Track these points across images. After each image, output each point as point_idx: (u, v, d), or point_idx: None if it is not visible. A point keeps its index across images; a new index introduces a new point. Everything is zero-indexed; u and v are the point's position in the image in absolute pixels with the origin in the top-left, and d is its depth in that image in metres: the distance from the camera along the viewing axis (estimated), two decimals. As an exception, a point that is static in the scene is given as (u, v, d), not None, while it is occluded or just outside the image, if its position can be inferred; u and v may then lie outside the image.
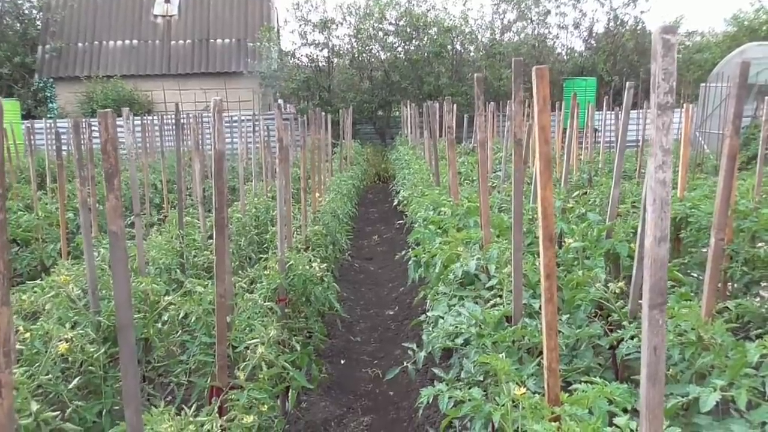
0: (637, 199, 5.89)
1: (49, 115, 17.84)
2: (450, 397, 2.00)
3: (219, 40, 21.48)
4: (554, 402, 1.70)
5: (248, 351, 2.74)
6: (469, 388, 2.01)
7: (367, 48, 19.26)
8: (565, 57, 22.07)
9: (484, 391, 2.04)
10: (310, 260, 4.08)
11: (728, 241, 4.02)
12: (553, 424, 1.54)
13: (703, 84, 15.00)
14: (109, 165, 1.54)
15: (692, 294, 3.09)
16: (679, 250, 5.00)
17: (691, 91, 16.35)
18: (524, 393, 1.77)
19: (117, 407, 2.79)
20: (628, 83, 3.47)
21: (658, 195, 1.08)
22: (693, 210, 4.67)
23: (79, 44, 21.27)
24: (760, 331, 3.15)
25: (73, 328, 2.82)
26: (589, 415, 1.59)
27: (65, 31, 21.22)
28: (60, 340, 2.59)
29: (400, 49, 19.07)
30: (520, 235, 2.31)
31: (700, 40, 23.73)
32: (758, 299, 3.89)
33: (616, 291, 2.98)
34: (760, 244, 4.29)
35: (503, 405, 1.77)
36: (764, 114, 5.84)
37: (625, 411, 1.76)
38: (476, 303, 2.89)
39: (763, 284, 4.16)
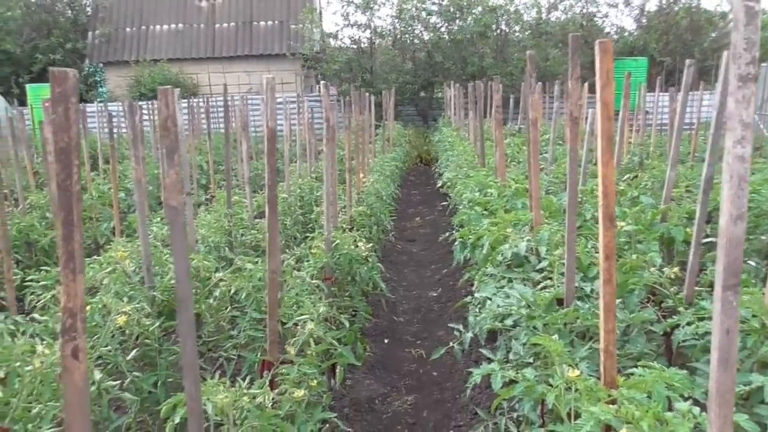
0: (691, 182, 5.69)
1: (99, 99, 18.35)
2: (503, 377, 1.98)
3: (262, 23, 21.62)
4: (610, 385, 1.67)
5: (298, 327, 2.78)
6: (521, 369, 1.99)
7: (409, 28, 19.07)
8: (614, 36, 21.38)
9: (537, 372, 2.02)
10: (355, 240, 4.10)
11: (791, 225, 3.86)
12: (610, 407, 1.52)
13: (764, 64, 14.33)
14: (170, 141, 1.56)
15: (752, 281, 2.98)
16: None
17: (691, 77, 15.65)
18: (579, 375, 1.75)
19: (170, 379, 2.88)
20: (687, 61, 3.33)
21: (735, 171, 1.04)
22: (753, 195, 4.48)
23: (127, 29, 21.74)
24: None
25: (129, 302, 2.91)
26: (648, 400, 1.55)
27: (113, 16, 21.71)
28: (118, 314, 2.68)
29: (443, 29, 18.81)
30: (574, 216, 2.26)
31: (764, 18, 22.62)
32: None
33: (671, 276, 2.90)
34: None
35: (557, 386, 1.74)
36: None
37: (683, 397, 1.72)
38: (525, 285, 2.85)
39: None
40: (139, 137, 3.36)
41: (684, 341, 2.40)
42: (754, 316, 2.19)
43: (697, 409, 1.47)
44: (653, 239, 3.38)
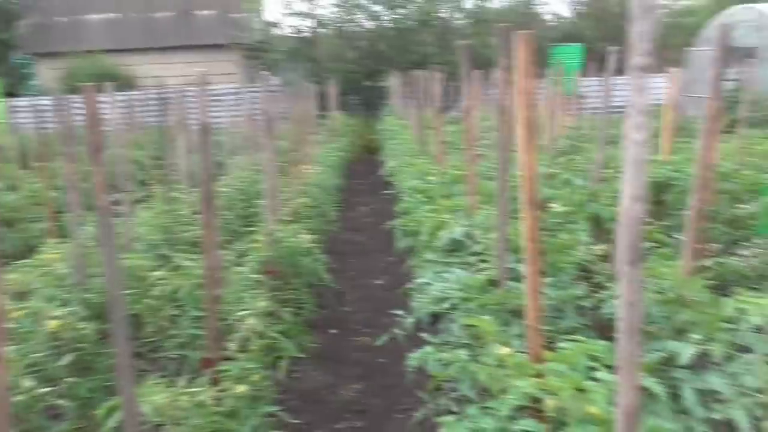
0: (622, 164, 5.93)
1: (30, 93, 17.52)
2: (438, 359, 2.05)
3: (202, 12, 21.07)
4: (538, 360, 1.75)
5: (239, 323, 2.78)
6: (456, 350, 2.06)
7: (352, 17, 18.96)
8: (553, 23, 21.87)
9: (471, 352, 2.09)
10: (298, 232, 4.10)
11: (710, 202, 4.08)
12: (536, 380, 1.59)
13: (690, 48, 14.96)
14: (95, 140, 1.54)
15: (673, 255, 3.15)
16: (663, 212, 5.06)
17: (678, 55, 16.33)
18: (509, 352, 1.82)
19: (109, 383, 2.82)
20: (610, 48, 3.47)
21: (634, 155, 1.11)
22: (676, 173, 4.72)
23: (59, 18, 20.79)
24: (739, 288, 3.23)
25: (62, 306, 2.84)
26: (571, 371, 1.64)
27: (44, 5, 20.68)
28: (50, 318, 2.61)
29: (386, 17, 18.79)
30: (505, 201, 2.34)
31: (687, 4, 23.57)
32: (738, 258, 3.97)
33: (599, 253, 3.04)
34: (741, 205, 4.36)
35: (488, 365, 1.81)
36: (749, 77, 5.86)
37: (606, 367, 1.82)
38: (463, 269, 2.93)
39: (743, 244, 4.24)
40: (71, 133, 3.26)
41: (611, 314, 2.52)
42: (672, 287, 2.33)
43: (613, 376, 1.56)
44: (583, 219, 3.52)
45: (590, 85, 9.91)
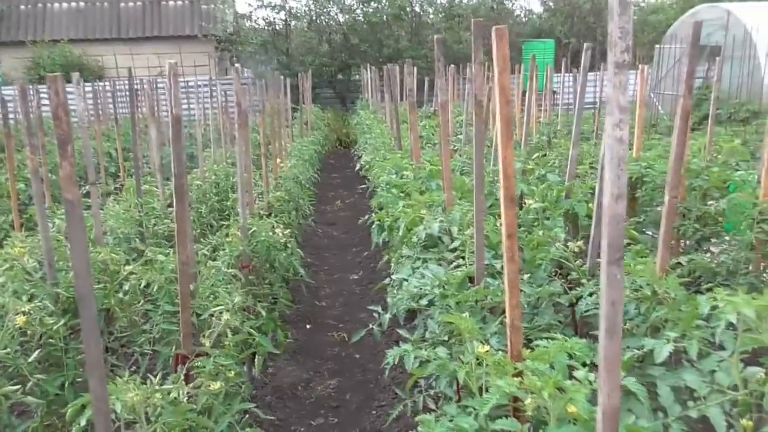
0: (594, 159, 6.00)
1: (-8, 82, 16.99)
2: (416, 357, 2.04)
3: (171, 2, 20.68)
4: (517, 358, 1.75)
5: (213, 318, 2.73)
6: (434, 348, 2.05)
7: (324, 10, 18.84)
8: (523, 19, 22.05)
9: (449, 350, 2.09)
10: (273, 226, 4.05)
11: (681, 199, 4.15)
12: (515, 379, 1.59)
13: (658, 45, 15.23)
14: (62, 131, 1.48)
15: (647, 251, 3.20)
16: (635, 209, 5.14)
17: (645, 53, 16.59)
18: (487, 350, 1.82)
19: (80, 379, 2.76)
20: (585, 44, 3.49)
21: (615, 153, 1.10)
22: (648, 170, 4.79)
23: (22, 6, 20.18)
24: (710, 284, 3.29)
25: (30, 300, 2.76)
26: (551, 370, 1.64)
27: (7, -8, 20.08)
28: (17, 313, 2.53)
29: (358, 11, 18.72)
30: (481, 197, 2.34)
31: (655, 2, 24.00)
32: (709, 254, 4.05)
33: (575, 250, 3.06)
34: (710, 202, 4.44)
35: (467, 363, 1.81)
36: (715, 75, 5.98)
37: (584, 365, 1.83)
38: (440, 265, 2.93)
39: (713, 240, 4.33)
40: (34, 124, 3.15)
41: (587, 311, 2.55)
42: (647, 284, 2.36)
43: (593, 375, 1.57)
44: (558, 215, 3.55)
45: (561, 81, 9.99)
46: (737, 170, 4.84)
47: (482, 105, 2.30)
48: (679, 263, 2.73)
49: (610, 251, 1.13)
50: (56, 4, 20.32)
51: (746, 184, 4.40)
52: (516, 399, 1.74)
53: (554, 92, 10.18)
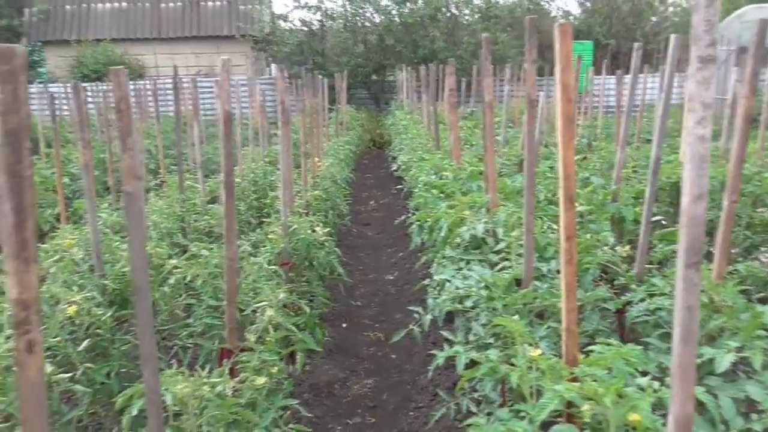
0: (637, 163, 5.88)
1: (39, 80, 17.50)
2: (467, 359, 2.00)
3: (210, 3, 21.01)
4: (572, 363, 1.71)
5: (256, 314, 2.74)
6: (485, 350, 2.02)
7: (360, 11, 18.89)
8: (561, 20, 21.76)
9: (500, 353, 2.05)
10: (312, 224, 4.06)
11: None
12: (574, 384, 1.55)
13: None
14: (123, 124, 1.49)
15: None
16: (679, 214, 5.01)
17: (687, 55, 16.19)
18: (540, 354, 1.78)
19: (124, 369, 2.80)
20: (635, 44, 3.41)
21: (697, 151, 1.06)
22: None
23: (67, 6, 20.73)
24: (762, 294, 3.18)
25: (79, 291, 2.81)
26: (608, 376, 1.60)
27: (53, -7, 20.66)
28: (68, 303, 2.58)
29: (394, 12, 18.70)
30: (531, 197, 2.29)
31: (696, 3, 23.35)
32: (759, 263, 3.92)
33: (623, 255, 2.99)
34: (761, 209, 4.30)
35: (520, 366, 1.77)
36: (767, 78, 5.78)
37: (638, 372, 1.78)
38: (483, 266, 2.89)
39: (762, 249, 4.18)
40: (85, 120, 3.22)
41: (637, 318, 2.48)
42: (703, 291, 2.28)
43: (656, 384, 1.52)
44: (605, 219, 3.47)
45: (602, 83, 9.82)
46: (790, 177, 4.68)
47: (535, 105, 2.26)
48: (736, 270, 2.63)
49: (688, 254, 1.09)
50: (99, 5, 20.83)
51: (800, 191, 4.26)
52: (569, 405, 1.70)
53: (595, 94, 10.01)
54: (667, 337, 2.51)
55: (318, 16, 19.07)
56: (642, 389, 1.50)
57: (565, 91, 1.60)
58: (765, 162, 4.94)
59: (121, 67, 1.52)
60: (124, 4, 20.85)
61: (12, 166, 0.81)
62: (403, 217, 5.68)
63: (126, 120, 1.50)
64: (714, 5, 1.05)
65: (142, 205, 1.53)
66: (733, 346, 1.89)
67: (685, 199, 1.08)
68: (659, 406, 1.53)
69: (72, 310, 2.50)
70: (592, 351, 1.82)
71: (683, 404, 1.12)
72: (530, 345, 1.91)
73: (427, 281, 3.36)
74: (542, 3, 21.82)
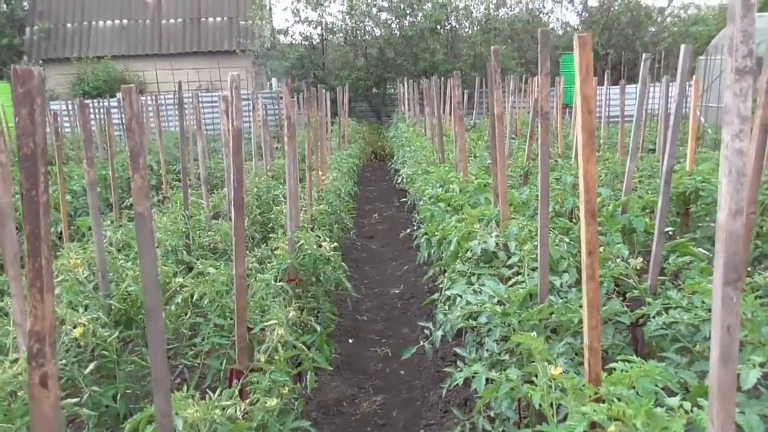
0: (643, 173, 5.84)
1: (39, 97, 17.50)
2: (487, 378, 1.95)
3: (210, 19, 21.15)
4: (595, 382, 1.66)
5: (266, 332, 2.69)
6: (502, 368, 1.96)
7: (360, 25, 18.99)
8: (559, 32, 21.85)
9: (520, 372, 2.00)
10: (318, 239, 4.02)
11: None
12: (601, 405, 1.50)
13: (701, 57, 14.89)
14: (134, 143, 1.46)
15: (712, 269, 3.05)
16: (688, 224, 4.96)
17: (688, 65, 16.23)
18: (561, 372, 1.73)
19: (129, 391, 2.74)
20: (644, 55, 3.39)
21: (734, 165, 1.02)
22: (704, 184, 4.62)
23: (68, 25, 20.87)
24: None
25: (84, 312, 2.76)
26: (634, 395, 1.55)
27: (53, 11, 20.80)
28: (73, 326, 2.53)
29: (394, 25, 18.81)
30: (546, 210, 2.26)
31: (696, 13, 23.53)
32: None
33: (636, 267, 2.94)
34: (768, 219, 4.25)
35: (541, 385, 1.72)
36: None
37: (663, 390, 1.73)
38: (495, 281, 2.84)
39: (771, 259, 4.13)
40: (89, 137, 3.18)
41: (655, 332, 2.43)
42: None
43: (688, 404, 1.47)
44: (615, 231, 3.43)
45: (605, 93, 9.79)
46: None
47: (548, 117, 2.23)
48: (754, 282, 2.58)
49: (727, 271, 1.04)
50: (101, 22, 20.96)
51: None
52: (593, 425, 1.65)
53: (597, 105, 9.98)
54: (684, 351, 2.46)
55: (318, 30, 19.18)
56: (672, 409, 1.45)
57: (586, 103, 1.56)
58: (773, 171, 4.89)
59: (132, 85, 1.49)
60: (125, 21, 20.98)
61: (28, 191, 0.77)
62: (408, 231, 5.65)
63: (137, 139, 1.47)
64: (750, 15, 1.02)
65: (153, 226, 1.49)
66: (758, 361, 1.84)
67: (722, 214, 1.04)
68: (689, 427, 1.48)
69: (78, 332, 2.45)
70: (614, 369, 1.77)
71: (723, 428, 1.07)
72: (549, 362, 1.86)
73: (436, 296, 3.31)
74: (541, 15, 21.94)
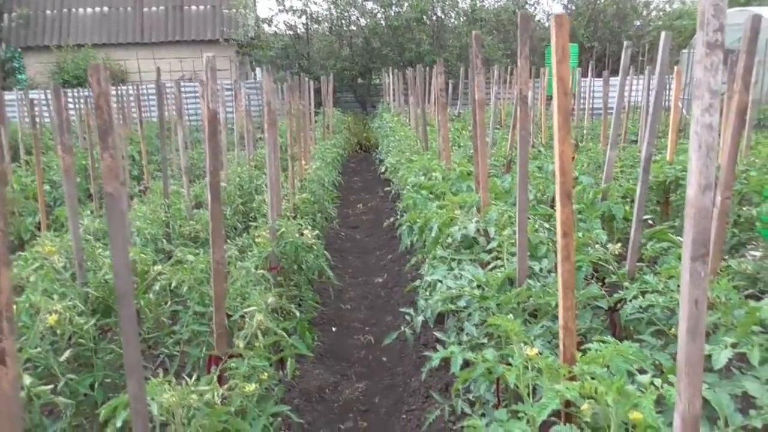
0: (624, 163, 5.88)
1: (18, 87, 17.24)
2: (463, 359, 1.96)
3: (193, 7, 20.87)
4: (570, 362, 1.67)
5: (245, 319, 2.67)
6: (479, 350, 1.97)
7: (346, 14, 18.87)
8: (545, 24, 21.88)
9: (496, 353, 2.00)
10: (300, 228, 4.00)
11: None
12: (574, 383, 1.51)
13: (684, 50, 15.00)
14: (103, 121, 1.43)
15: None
16: (668, 213, 5.01)
17: (672, 58, 16.35)
18: (537, 353, 1.74)
19: (108, 379, 2.72)
20: (625, 43, 3.40)
21: (704, 140, 1.02)
22: (684, 173, 4.66)
23: (47, 12, 20.49)
24: (750, 291, 3.17)
25: (60, 300, 2.72)
26: (607, 374, 1.56)
27: (32, -2, 20.41)
28: (48, 313, 2.50)
29: (380, 15, 18.71)
30: (525, 194, 2.26)
31: (681, 7, 23.66)
32: (746, 260, 3.92)
33: (615, 252, 2.97)
34: (746, 207, 4.31)
35: (517, 366, 1.73)
36: (754, 77, 5.79)
37: (638, 370, 1.74)
38: (475, 266, 2.84)
39: (749, 246, 4.19)
40: (64, 123, 3.13)
41: (631, 315, 2.45)
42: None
43: (658, 381, 1.49)
44: (595, 217, 3.45)
45: (588, 84, 9.84)
46: (773, 175, 4.70)
47: (527, 100, 2.23)
48: (729, 266, 2.62)
49: (695, 247, 1.05)
50: (81, 9, 20.60)
51: (785, 189, 4.27)
52: (568, 404, 1.66)
53: (581, 96, 10.04)
54: (660, 334, 2.49)
55: (303, 19, 19.03)
56: (643, 387, 1.46)
57: (562, 84, 1.56)
58: (751, 161, 4.96)
59: (100, 62, 1.46)
60: (106, 8, 20.65)
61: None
62: (391, 220, 5.64)
63: (106, 117, 1.44)
64: (718, -11, 1.01)
65: (124, 207, 1.47)
66: (729, 342, 1.86)
67: (691, 190, 1.05)
68: (659, 404, 1.49)
69: (53, 319, 2.42)
70: (588, 349, 1.78)
71: (691, 401, 1.08)
72: (526, 344, 1.87)
73: (417, 282, 3.31)
74: (527, 6, 21.94)
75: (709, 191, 1.03)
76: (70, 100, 10.76)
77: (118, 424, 1.85)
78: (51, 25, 20.34)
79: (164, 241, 4.18)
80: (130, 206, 4.94)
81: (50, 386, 2.27)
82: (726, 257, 3.95)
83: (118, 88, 11.68)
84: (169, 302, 3.18)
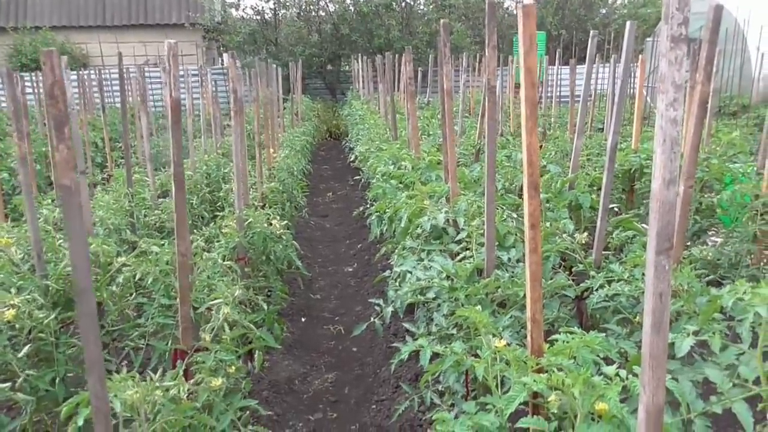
0: (591, 151, 5.96)
1: (-27, 70, 16.59)
2: (432, 352, 1.96)
3: (157, -10, 20.34)
4: (537, 353, 1.68)
5: (211, 312, 2.63)
6: (441, 342, 1.97)
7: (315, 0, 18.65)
8: (514, 11, 21.96)
9: (460, 344, 2.01)
10: (268, 217, 3.95)
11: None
12: (542, 375, 1.52)
13: (648, 39, 15.24)
14: (57, 111, 1.37)
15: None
16: (633, 201, 5.10)
17: (636, 46, 16.57)
18: (505, 345, 1.74)
19: (70, 374, 2.65)
20: (592, 32, 3.42)
21: (668, 134, 1.02)
22: (648, 161, 4.74)
23: (3, -8, 19.75)
24: (711, 277, 3.25)
25: (18, 293, 2.64)
26: (574, 365, 1.57)
27: (-13, -22, 19.63)
28: (6, 307, 2.41)
29: (348, 1, 18.54)
30: (492, 186, 2.26)
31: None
32: (705, 246, 4.02)
33: (582, 242, 3.00)
34: (707, 195, 4.41)
35: (485, 358, 1.73)
36: (714, 66, 5.90)
37: (604, 360, 1.76)
38: (444, 257, 2.85)
39: (710, 233, 4.29)
40: (21, 110, 3.02)
41: (597, 305, 2.48)
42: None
43: (623, 372, 1.50)
44: (562, 207, 3.49)
45: (556, 72, 9.93)
46: (735, 162, 4.82)
47: (495, 90, 2.22)
48: (691, 254, 2.67)
49: (659, 240, 1.05)
50: (39, -9, 19.90)
51: (745, 177, 4.37)
52: (535, 395, 1.67)
53: (549, 84, 10.11)
54: (625, 322, 2.53)
55: (271, 4, 18.75)
56: (609, 378, 1.48)
57: (530, 75, 1.55)
58: (712, 148, 5.07)
59: (53, 49, 1.39)
60: (66, -10, 19.99)
61: None
62: (361, 209, 5.62)
63: (61, 107, 1.38)
64: (683, -17, 1.01)
65: (83, 199, 1.41)
66: (691, 329, 1.89)
67: (655, 184, 1.05)
68: (624, 391, 1.51)
69: (10, 314, 2.34)
70: (556, 340, 1.79)
71: (655, 393, 1.09)
72: (494, 335, 1.88)
73: (387, 273, 3.30)
74: (495, -7, 21.97)
75: (673, 185, 1.04)
76: (28, 84, 10.40)
77: (80, 422, 1.80)
78: (7, 6, 19.61)
79: (128, 231, 4.08)
80: (93, 195, 4.81)
81: (8, 383, 2.21)
82: (688, 243, 4.05)
83: (80, 72, 11.34)
84: (134, 294, 3.11)
